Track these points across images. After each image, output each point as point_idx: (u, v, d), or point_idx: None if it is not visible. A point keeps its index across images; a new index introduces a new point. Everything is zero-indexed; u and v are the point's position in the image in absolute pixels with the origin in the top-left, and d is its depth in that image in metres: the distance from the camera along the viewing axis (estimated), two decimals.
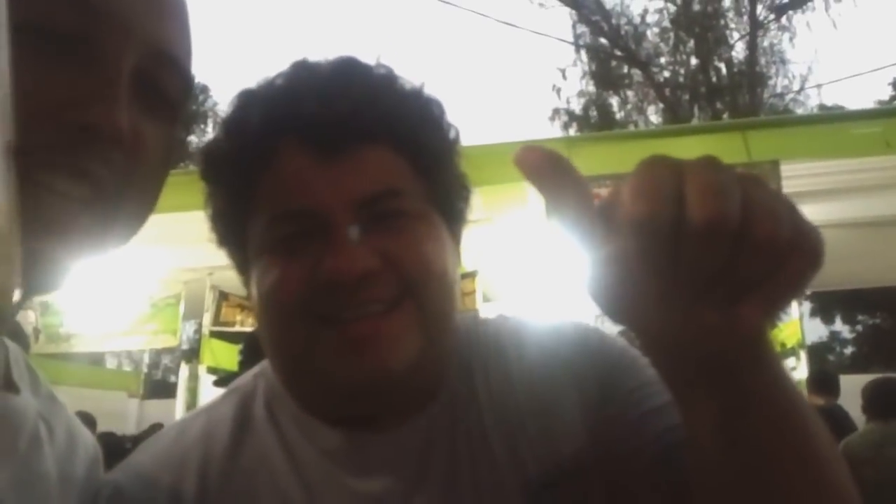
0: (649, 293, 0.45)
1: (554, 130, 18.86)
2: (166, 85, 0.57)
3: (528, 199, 3.93)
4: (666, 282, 0.44)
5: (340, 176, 0.68)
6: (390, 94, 0.72)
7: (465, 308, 4.70)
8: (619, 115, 19.29)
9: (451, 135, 0.77)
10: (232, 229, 0.75)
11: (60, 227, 0.50)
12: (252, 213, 0.71)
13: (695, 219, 0.40)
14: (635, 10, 17.83)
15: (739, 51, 17.38)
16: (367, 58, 0.75)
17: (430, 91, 0.77)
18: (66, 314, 5.26)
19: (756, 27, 16.56)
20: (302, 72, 0.72)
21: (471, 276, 4.81)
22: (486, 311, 4.89)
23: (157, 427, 6.73)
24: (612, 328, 0.90)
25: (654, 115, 18.81)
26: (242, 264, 0.75)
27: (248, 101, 0.73)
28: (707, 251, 0.41)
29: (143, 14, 0.54)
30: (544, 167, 0.45)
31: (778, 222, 0.41)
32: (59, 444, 0.67)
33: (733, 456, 0.51)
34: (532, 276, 4.59)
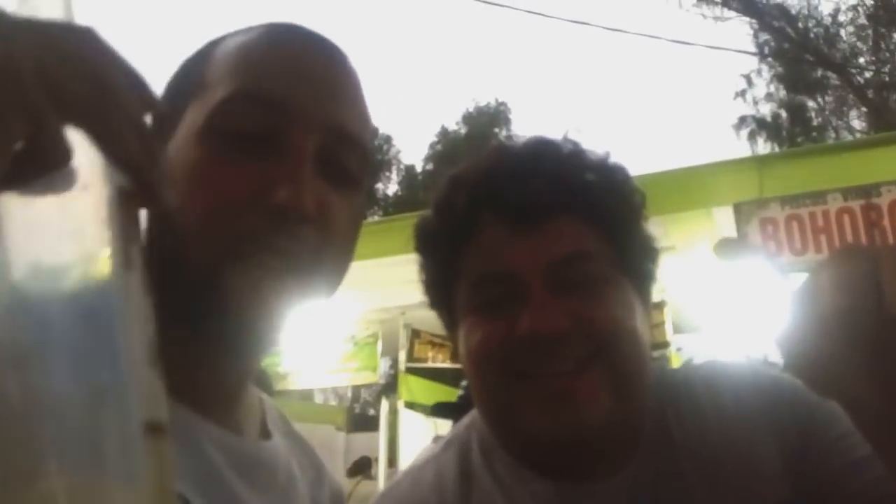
0: (852, 368, 0.47)
1: (741, 144, 17.75)
2: (346, 158, 0.65)
3: (715, 226, 3.76)
4: (869, 358, 0.46)
5: (534, 244, 0.76)
6: (577, 170, 0.80)
7: (655, 340, 4.55)
8: (815, 121, 17.76)
9: (636, 199, 0.83)
10: (441, 295, 0.85)
11: (270, 295, 0.60)
12: (458, 281, 0.81)
13: (891, 309, 0.43)
14: (825, 10, 16.37)
15: None
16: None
17: (613, 160, 0.83)
18: (283, 354, 5.80)
19: None
20: (498, 155, 0.83)
21: (659, 306, 4.66)
22: (677, 343, 4.70)
23: (364, 460, 7.11)
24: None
25: (856, 120, 17.10)
26: (451, 325, 0.85)
27: (453, 185, 0.83)
28: None
29: (322, 101, 0.63)
30: (741, 257, 0.52)
31: None
32: (308, 479, 0.77)
33: None
34: (722, 305, 4.36)
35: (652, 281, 0.84)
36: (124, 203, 0.38)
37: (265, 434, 0.74)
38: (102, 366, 0.36)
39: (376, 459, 6.71)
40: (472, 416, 0.88)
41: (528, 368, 0.74)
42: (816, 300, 0.47)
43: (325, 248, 0.63)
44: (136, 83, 0.40)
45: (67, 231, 0.38)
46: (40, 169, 0.34)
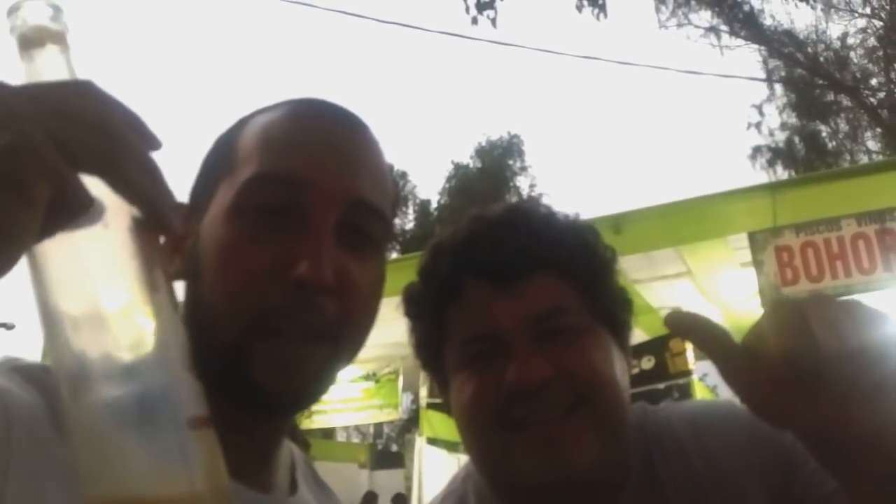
0: (799, 399, 0.57)
1: (757, 174, 17.72)
2: (366, 225, 0.67)
3: (730, 253, 3.78)
4: (811, 388, 0.56)
5: (514, 302, 0.81)
6: (549, 232, 0.86)
7: (678, 369, 4.54)
8: (829, 146, 17.72)
9: (606, 255, 0.89)
10: (432, 356, 0.90)
11: (297, 367, 0.63)
12: (446, 341, 0.86)
13: (823, 344, 0.54)
14: (833, 34, 16.40)
15: None
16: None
17: (582, 220, 0.90)
18: None
19: None
20: (476, 222, 0.88)
21: None
22: (701, 370, 4.69)
23: (370, 495, 7.05)
24: None
25: (871, 141, 17.05)
26: (442, 383, 0.90)
27: (436, 252, 0.89)
28: (837, 364, 0.54)
29: (342, 176, 0.66)
30: (692, 326, 0.62)
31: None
32: None
33: None
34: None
35: (628, 330, 0.90)
36: (142, 232, 0.44)
37: (293, 487, 0.77)
38: (148, 376, 0.43)
39: (400, 495, 6.65)
40: (468, 468, 0.94)
41: (518, 418, 0.79)
42: (763, 345, 0.58)
43: (346, 314, 0.65)
44: (136, 124, 0.44)
45: (99, 265, 0.43)
46: (68, 217, 0.39)
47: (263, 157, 0.66)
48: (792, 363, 0.56)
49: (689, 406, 0.95)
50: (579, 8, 8.84)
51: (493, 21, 8.11)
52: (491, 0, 8.11)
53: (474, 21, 8.13)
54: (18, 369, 0.59)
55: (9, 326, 19.26)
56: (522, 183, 25.24)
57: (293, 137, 0.68)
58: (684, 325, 0.62)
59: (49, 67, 0.46)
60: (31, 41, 0.46)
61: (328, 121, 0.70)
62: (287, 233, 0.63)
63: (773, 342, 0.57)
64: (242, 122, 0.72)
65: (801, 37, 16.21)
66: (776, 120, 17.96)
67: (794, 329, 0.56)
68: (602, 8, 8.72)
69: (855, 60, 16.45)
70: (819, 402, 0.57)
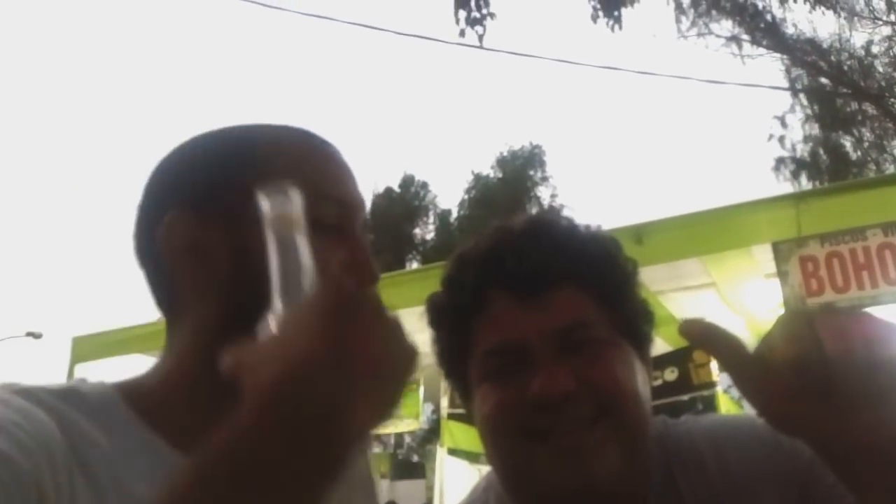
0: (808, 406, 0.58)
1: (782, 185, 17.53)
2: (366, 230, 0.77)
3: (754, 264, 3.75)
4: (820, 396, 0.57)
5: (538, 314, 0.83)
6: (572, 244, 0.88)
7: (701, 380, 4.50)
8: (854, 156, 17.48)
9: (628, 267, 0.90)
10: (455, 365, 0.92)
11: None
12: (469, 351, 0.88)
13: (831, 353, 0.55)
14: (857, 43, 16.17)
15: None
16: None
17: (604, 232, 0.92)
18: None
19: None
20: (500, 235, 0.90)
21: None
22: (724, 381, 4.64)
23: None
24: None
25: None
26: (464, 393, 0.92)
27: (460, 263, 0.91)
28: (846, 373, 0.55)
29: (360, 194, 0.77)
30: (705, 334, 0.62)
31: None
32: None
33: None
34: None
35: (649, 342, 0.91)
36: None
37: None
38: None
39: None
40: (489, 478, 0.95)
41: (542, 428, 0.80)
42: (773, 354, 0.59)
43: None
44: None
45: None
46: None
47: (308, 182, 0.71)
48: (801, 372, 0.56)
49: (709, 420, 0.96)
50: (594, 18, 8.87)
51: (481, 38, 8.22)
52: (481, 17, 8.21)
53: (462, 34, 8.25)
54: (30, 395, 0.61)
55: (36, 336, 19.56)
56: (544, 193, 25.22)
57: (322, 162, 0.75)
58: (697, 333, 0.63)
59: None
60: (287, 227, 0.58)
61: (329, 144, 0.78)
62: (336, 244, 0.71)
63: (783, 351, 0.58)
64: (252, 142, 0.74)
65: (825, 45, 16.05)
66: (799, 133, 17.78)
67: (804, 338, 0.57)
68: (617, 20, 8.74)
69: (880, 69, 16.25)
70: (829, 411, 0.57)
